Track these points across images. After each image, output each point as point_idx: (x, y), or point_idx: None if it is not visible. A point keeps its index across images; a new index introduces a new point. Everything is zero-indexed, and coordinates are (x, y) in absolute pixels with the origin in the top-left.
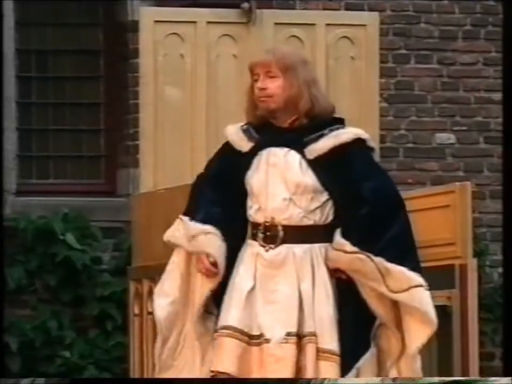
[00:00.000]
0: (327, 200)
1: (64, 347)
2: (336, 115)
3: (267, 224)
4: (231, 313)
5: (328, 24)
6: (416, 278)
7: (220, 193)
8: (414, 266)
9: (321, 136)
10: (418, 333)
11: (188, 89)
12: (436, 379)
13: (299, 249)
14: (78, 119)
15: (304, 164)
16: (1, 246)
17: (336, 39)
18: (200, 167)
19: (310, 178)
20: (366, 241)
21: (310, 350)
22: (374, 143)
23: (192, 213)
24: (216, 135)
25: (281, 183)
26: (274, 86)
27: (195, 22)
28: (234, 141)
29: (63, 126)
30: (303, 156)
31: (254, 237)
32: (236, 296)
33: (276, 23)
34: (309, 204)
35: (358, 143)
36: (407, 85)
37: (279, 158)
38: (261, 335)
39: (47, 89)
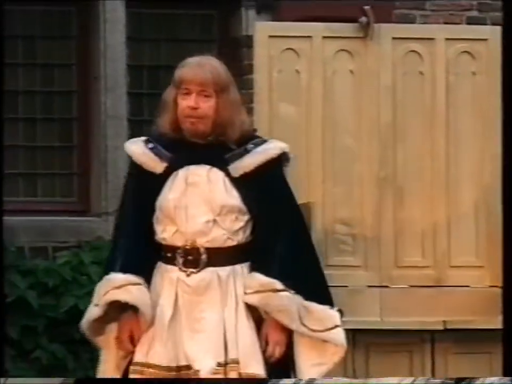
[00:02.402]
0: (250, 219)
1: None
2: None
3: (187, 247)
4: (155, 348)
5: (447, 39)
6: (338, 316)
7: (141, 229)
8: (332, 303)
9: (245, 152)
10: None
11: (303, 106)
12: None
13: (223, 272)
14: None
15: (228, 182)
16: (1, 248)
17: (457, 53)
18: (316, 182)
19: (234, 198)
20: (287, 277)
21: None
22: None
23: (111, 265)
24: (333, 151)
25: (203, 204)
26: (206, 106)
27: (311, 36)
28: (144, 163)
29: None
30: (227, 173)
31: (171, 261)
32: (157, 328)
33: (394, 38)
34: (233, 224)
35: (282, 157)
36: None
37: (200, 176)
38: (189, 366)
39: (159, 106)
